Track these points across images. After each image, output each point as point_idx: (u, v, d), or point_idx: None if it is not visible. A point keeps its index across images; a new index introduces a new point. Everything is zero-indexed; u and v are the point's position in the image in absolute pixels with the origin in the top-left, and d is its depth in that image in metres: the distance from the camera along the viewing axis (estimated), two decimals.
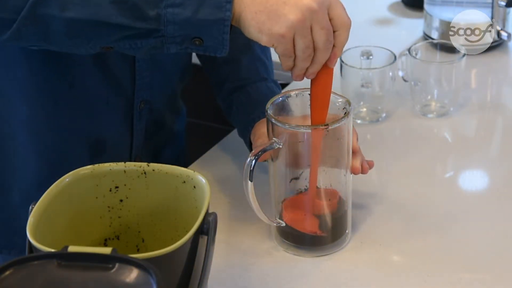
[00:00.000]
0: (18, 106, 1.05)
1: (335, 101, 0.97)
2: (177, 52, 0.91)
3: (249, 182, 0.93)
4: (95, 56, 1.04)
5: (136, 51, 0.91)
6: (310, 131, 0.93)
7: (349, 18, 0.89)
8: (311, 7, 0.86)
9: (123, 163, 0.88)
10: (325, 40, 0.88)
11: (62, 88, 1.05)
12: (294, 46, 0.88)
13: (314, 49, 0.89)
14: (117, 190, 0.89)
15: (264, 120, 0.97)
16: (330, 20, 0.87)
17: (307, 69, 0.91)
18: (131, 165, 0.88)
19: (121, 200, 0.89)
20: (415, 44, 1.33)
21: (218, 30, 0.88)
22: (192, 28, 0.88)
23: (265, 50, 1.22)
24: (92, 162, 0.88)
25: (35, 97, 1.04)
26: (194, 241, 0.79)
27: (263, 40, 0.87)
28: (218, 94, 1.20)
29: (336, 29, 0.88)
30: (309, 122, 0.96)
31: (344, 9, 0.89)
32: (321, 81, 0.93)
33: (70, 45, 0.92)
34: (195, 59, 1.24)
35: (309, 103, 0.95)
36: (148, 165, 0.88)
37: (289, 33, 0.86)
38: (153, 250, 0.75)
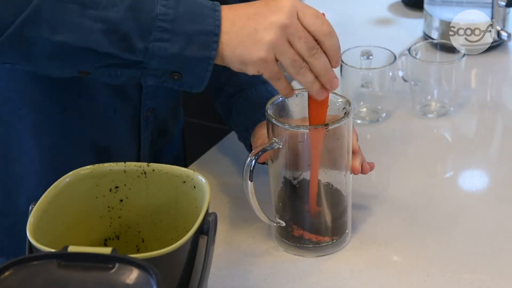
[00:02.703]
0: (24, 114, 1.04)
1: (335, 101, 0.97)
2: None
3: (249, 182, 0.93)
4: None
5: (113, 79, 0.91)
6: (310, 131, 0.93)
7: (323, 23, 0.89)
8: (282, 23, 0.87)
9: (123, 163, 0.88)
10: (307, 48, 0.88)
11: (70, 96, 1.05)
12: (282, 65, 0.89)
13: (305, 61, 0.89)
14: (117, 190, 0.89)
15: (264, 122, 0.97)
16: (306, 30, 0.88)
17: (318, 81, 0.91)
18: (131, 165, 0.88)
19: (121, 200, 0.89)
20: (415, 44, 1.33)
21: (202, 68, 0.89)
22: (177, 63, 0.88)
23: None
24: None
25: (43, 104, 1.04)
26: (194, 241, 0.79)
27: (249, 70, 0.89)
28: (217, 100, 1.20)
29: (316, 38, 0.88)
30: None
31: (317, 15, 0.89)
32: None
33: (49, 67, 0.91)
34: None
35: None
36: (148, 165, 0.88)
37: (269, 55, 0.87)
38: (153, 250, 0.75)
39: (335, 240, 1.00)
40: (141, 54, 0.88)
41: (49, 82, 1.03)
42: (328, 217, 0.99)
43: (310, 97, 0.94)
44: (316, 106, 0.94)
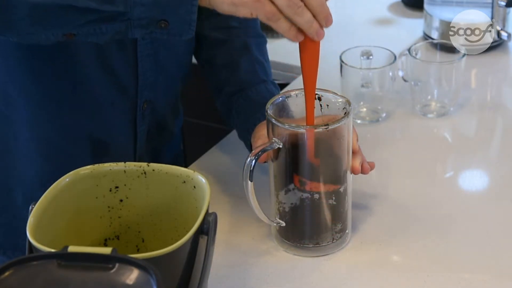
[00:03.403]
0: (20, 107, 1.05)
1: (335, 101, 0.97)
2: (143, 37, 0.88)
3: (249, 182, 0.93)
4: (98, 56, 1.04)
5: (100, 37, 0.90)
6: (310, 131, 0.93)
7: None
8: None
9: (123, 163, 0.88)
10: None
11: (65, 89, 1.05)
12: (276, 6, 0.84)
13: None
14: (117, 190, 0.89)
15: (264, 122, 0.97)
16: None
17: (317, 22, 0.87)
18: (131, 165, 0.88)
19: (121, 200, 0.89)
20: (415, 44, 1.33)
21: (186, 10, 0.87)
22: (159, 9, 0.86)
23: (263, 51, 1.22)
24: (95, 164, 0.87)
25: (38, 98, 1.04)
26: (194, 241, 0.79)
27: (241, 12, 0.85)
28: (218, 98, 1.20)
29: None
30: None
31: None
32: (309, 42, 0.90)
33: (32, 32, 0.91)
34: (195, 60, 1.24)
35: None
36: (148, 165, 0.88)
37: None
38: (153, 250, 0.75)
39: (335, 240, 1.00)
40: (122, 4, 0.86)
41: (44, 76, 1.03)
42: (328, 217, 0.99)
43: (302, 49, 0.90)
44: (310, 57, 0.91)
